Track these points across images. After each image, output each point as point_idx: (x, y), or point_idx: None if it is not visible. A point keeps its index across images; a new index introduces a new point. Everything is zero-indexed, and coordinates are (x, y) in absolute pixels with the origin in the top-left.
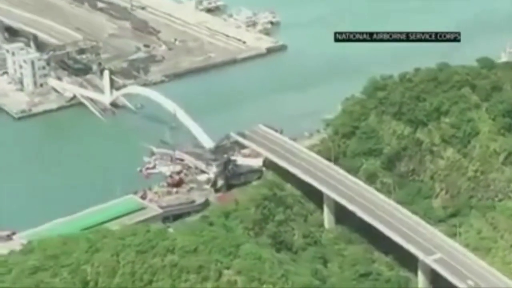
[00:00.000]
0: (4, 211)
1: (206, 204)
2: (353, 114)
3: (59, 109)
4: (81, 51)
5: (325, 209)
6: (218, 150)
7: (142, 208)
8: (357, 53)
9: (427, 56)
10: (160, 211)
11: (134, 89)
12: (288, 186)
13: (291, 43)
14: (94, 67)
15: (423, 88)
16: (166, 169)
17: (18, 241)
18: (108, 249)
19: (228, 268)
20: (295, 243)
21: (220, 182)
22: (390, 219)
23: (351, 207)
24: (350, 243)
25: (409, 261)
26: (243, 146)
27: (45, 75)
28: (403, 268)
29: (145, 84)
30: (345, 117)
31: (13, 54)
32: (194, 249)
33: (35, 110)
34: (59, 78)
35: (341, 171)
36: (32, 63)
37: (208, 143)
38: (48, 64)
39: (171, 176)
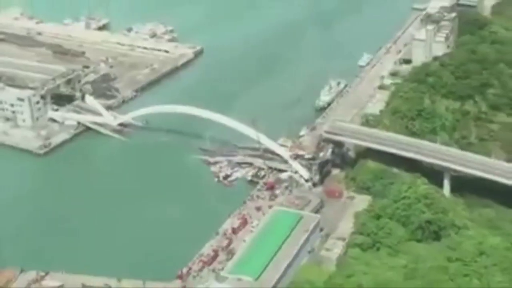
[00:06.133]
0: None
1: (322, 202)
2: (413, 100)
3: (72, 138)
4: (68, 81)
5: (445, 186)
6: (318, 150)
7: (301, 218)
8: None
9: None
10: (317, 216)
11: (163, 108)
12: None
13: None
14: (77, 94)
15: (465, 69)
16: (240, 174)
17: None
18: None
19: None
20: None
21: (316, 178)
22: None
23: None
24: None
25: None
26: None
27: (39, 109)
28: None
29: (123, 101)
30: (408, 102)
31: None
32: None
33: (53, 143)
34: (56, 109)
35: (453, 150)
36: (29, 99)
37: (284, 153)
38: (43, 98)
39: (252, 180)
